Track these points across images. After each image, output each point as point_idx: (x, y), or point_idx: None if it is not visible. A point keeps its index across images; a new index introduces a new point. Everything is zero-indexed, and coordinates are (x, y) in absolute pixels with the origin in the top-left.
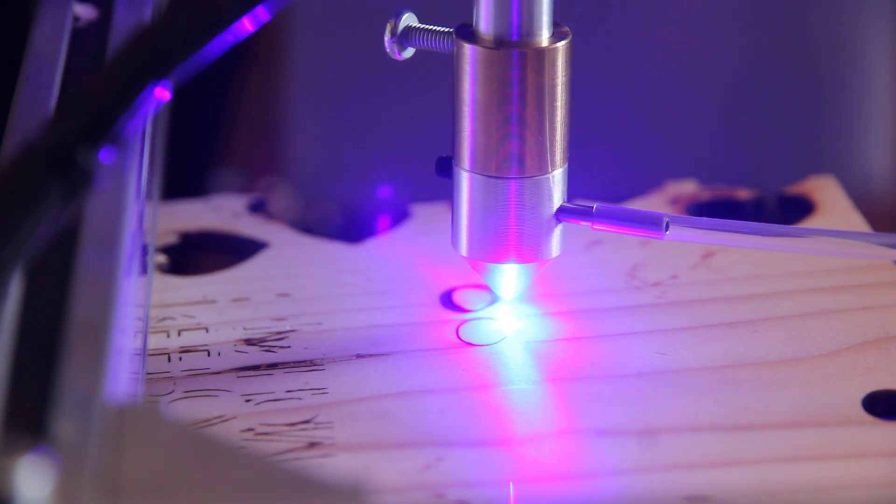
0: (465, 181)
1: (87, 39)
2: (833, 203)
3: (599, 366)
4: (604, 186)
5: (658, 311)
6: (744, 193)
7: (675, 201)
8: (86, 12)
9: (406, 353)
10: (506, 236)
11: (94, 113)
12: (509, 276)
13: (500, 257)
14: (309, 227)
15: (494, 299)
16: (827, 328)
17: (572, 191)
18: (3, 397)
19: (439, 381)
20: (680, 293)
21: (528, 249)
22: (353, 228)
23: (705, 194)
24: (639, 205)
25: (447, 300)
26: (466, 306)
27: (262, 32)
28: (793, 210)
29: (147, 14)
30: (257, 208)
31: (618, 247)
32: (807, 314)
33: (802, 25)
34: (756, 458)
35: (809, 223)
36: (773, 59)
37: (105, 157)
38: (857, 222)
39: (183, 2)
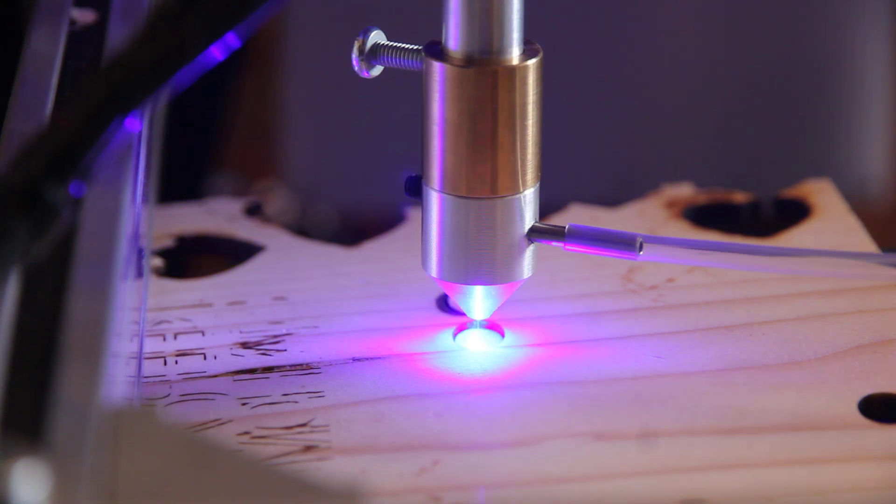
0: (434, 201)
1: (83, 43)
2: (829, 206)
3: (596, 369)
4: (600, 189)
5: (654, 314)
6: (740, 196)
7: (671, 204)
8: (82, 16)
9: (402, 356)
10: (477, 257)
11: (60, 149)
12: (480, 298)
13: (471, 279)
14: (305, 230)
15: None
16: (823, 332)
17: (569, 193)
18: (0, 400)
19: (435, 384)
20: (676, 297)
21: (499, 271)
22: (349, 232)
23: (701, 197)
24: (635, 208)
25: (443, 304)
26: (462, 310)
27: (259, 36)
28: (789, 213)
29: (143, 17)
30: (253, 212)
31: None
32: (803, 318)
33: (799, 29)
34: (752, 462)
35: (805, 226)
36: (769, 62)
37: (74, 191)
38: (853, 225)
39: (148, 34)
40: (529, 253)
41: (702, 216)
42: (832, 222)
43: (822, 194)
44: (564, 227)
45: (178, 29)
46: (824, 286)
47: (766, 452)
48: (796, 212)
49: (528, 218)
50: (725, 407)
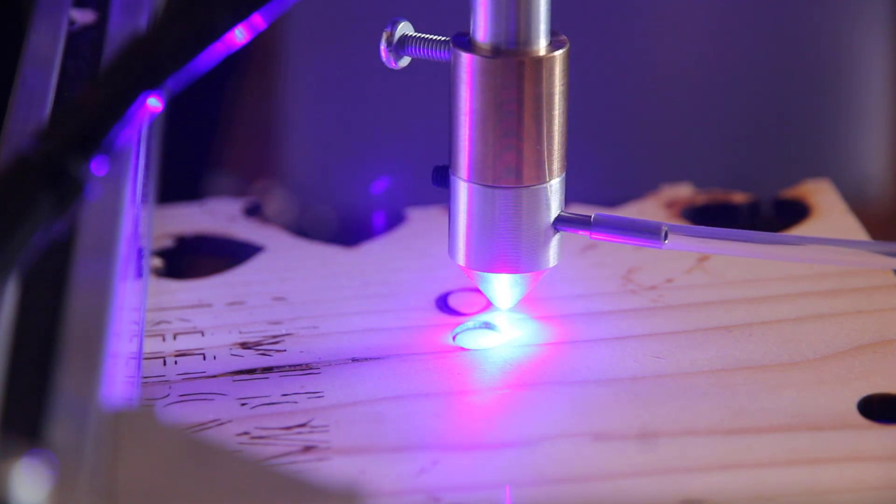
0: (462, 191)
1: (83, 43)
2: (828, 206)
3: (595, 369)
4: (599, 189)
5: (654, 314)
6: (739, 197)
7: (670, 205)
8: (82, 16)
9: (401, 356)
10: (503, 246)
11: (85, 124)
12: (506, 286)
13: (497, 267)
14: (304, 230)
15: (490, 303)
16: (822, 332)
17: (569, 193)
18: (0, 400)
19: (435, 384)
20: (676, 297)
21: (525, 259)
22: (348, 232)
23: (701, 198)
24: (634, 208)
25: (443, 304)
26: (462, 310)
27: (259, 36)
28: (788, 213)
29: (143, 17)
30: (253, 212)
31: (613, 250)
32: (802, 318)
33: (797, 28)
34: (752, 462)
35: (805, 227)
36: (768, 61)
37: (97, 167)
38: (853, 226)
39: (176, 11)
40: (555, 242)
41: (701, 216)
42: (832, 222)
43: (821, 194)
44: (590, 217)
45: (206, 7)
46: (824, 286)
47: (765, 453)
48: (796, 212)
49: (555, 207)
50: (725, 407)
